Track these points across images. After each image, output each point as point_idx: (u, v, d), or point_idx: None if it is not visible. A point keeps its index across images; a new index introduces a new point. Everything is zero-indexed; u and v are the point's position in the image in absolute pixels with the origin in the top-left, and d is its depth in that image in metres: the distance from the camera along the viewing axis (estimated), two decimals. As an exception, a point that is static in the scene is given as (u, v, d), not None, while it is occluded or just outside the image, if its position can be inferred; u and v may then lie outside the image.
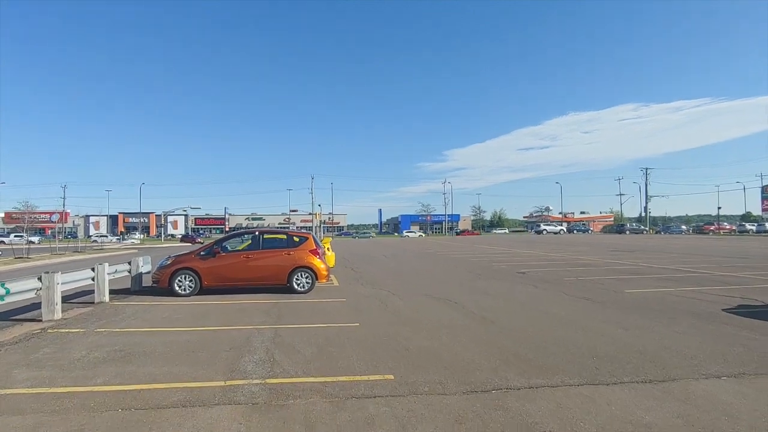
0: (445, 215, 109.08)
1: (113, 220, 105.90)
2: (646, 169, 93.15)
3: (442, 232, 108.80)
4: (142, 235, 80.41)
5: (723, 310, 8.34)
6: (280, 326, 7.31)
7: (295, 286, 11.04)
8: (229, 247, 11.57)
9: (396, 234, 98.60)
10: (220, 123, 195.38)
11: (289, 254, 11.24)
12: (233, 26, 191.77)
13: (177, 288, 10.63)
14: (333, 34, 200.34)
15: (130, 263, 11.64)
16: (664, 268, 16.35)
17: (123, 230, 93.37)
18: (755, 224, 70.53)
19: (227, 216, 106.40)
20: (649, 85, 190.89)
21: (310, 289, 11.10)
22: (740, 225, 73.79)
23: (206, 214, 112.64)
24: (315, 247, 11.51)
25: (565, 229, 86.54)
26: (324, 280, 11.53)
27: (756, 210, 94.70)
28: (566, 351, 5.67)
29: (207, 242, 13.04)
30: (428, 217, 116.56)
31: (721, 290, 10.76)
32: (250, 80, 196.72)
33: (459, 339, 6.34)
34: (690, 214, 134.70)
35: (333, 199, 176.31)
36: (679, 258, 20.85)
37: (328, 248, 16.31)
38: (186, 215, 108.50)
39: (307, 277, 11.13)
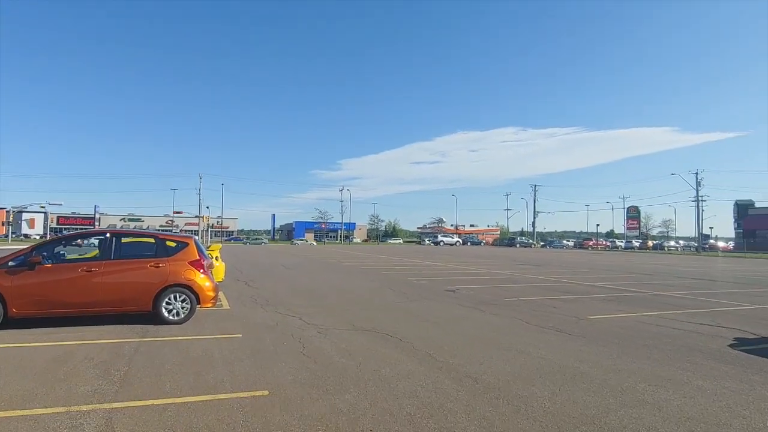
0: (341, 223, 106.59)
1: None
2: (535, 186, 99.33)
3: (337, 239, 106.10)
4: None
5: (729, 346, 6.76)
6: (120, 405, 4.03)
7: (165, 314, 7.61)
8: (62, 255, 7.78)
9: (290, 241, 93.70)
10: (98, 113, 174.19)
11: (157, 267, 7.75)
12: (130, 16, 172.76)
13: (-41, 319, 6.65)
14: (228, 35, 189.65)
15: None
16: (591, 285, 15.38)
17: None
18: (623, 241, 78.60)
19: (98, 215, 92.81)
20: (527, 112, 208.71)
21: (187, 318, 7.75)
22: (612, 241, 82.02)
23: (73, 213, 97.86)
24: (198, 257, 8.15)
25: (461, 241, 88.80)
26: (209, 305, 8.19)
27: (617, 228, 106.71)
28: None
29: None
30: (324, 225, 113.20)
31: (685, 315, 9.52)
32: (132, 70, 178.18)
33: (445, 424, 3.70)
34: (559, 230, 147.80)
35: (223, 202, 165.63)
36: (591, 274, 20.50)
37: (216, 258, 12.83)
38: (45, 212, 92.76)
39: (183, 300, 7.75)
